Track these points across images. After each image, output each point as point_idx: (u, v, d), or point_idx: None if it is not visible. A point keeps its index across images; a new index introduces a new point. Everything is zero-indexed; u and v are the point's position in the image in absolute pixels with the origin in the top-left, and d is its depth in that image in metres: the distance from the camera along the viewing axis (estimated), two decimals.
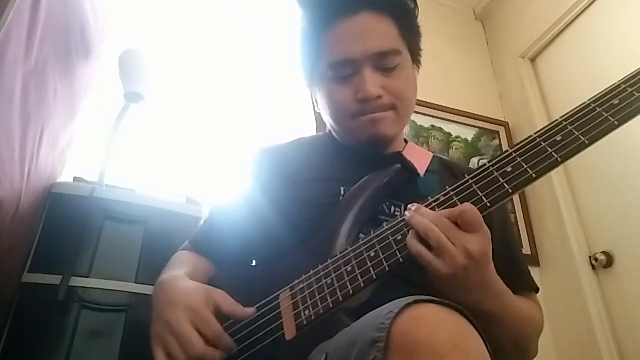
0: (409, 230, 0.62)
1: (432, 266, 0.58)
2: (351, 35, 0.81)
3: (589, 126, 0.60)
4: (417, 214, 0.61)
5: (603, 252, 1.85)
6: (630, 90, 0.61)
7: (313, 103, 0.99)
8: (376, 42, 0.80)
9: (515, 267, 0.85)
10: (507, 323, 0.67)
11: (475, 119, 2.38)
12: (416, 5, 0.88)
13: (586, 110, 0.62)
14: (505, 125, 2.43)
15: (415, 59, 0.90)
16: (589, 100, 0.63)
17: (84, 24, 1.27)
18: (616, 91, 0.62)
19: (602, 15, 2.06)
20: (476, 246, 0.58)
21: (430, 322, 0.44)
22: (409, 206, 0.64)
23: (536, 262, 2.05)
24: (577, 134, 0.60)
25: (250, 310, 0.67)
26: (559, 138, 0.61)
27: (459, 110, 2.35)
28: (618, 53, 1.89)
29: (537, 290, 0.86)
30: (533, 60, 2.43)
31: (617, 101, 0.60)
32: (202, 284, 0.71)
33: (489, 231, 0.60)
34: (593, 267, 1.88)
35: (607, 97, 0.62)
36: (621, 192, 1.82)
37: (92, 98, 1.45)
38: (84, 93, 1.38)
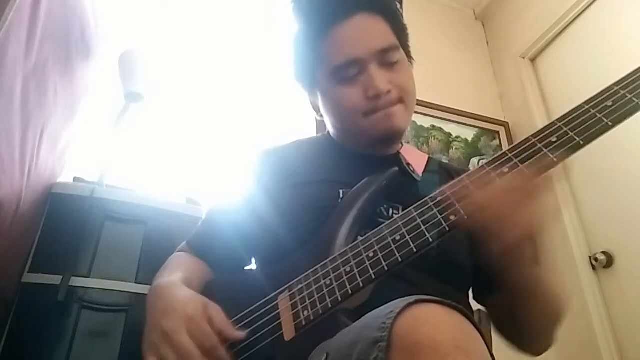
0: (407, 231, 0.62)
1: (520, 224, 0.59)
2: (351, 36, 0.82)
3: (583, 127, 0.61)
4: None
5: (603, 252, 1.85)
6: (622, 92, 0.62)
7: (312, 110, 0.98)
8: (376, 39, 0.83)
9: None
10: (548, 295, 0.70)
11: (475, 119, 2.38)
12: (401, 5, 0.92)
13: (580, 111, 0.63)
14: (505, 125, 2.43)
15: (409, 56, 0.92)
16: (583, 102, 0.64)
17: (84, 24, 1.27)
18: (609, 93, 0.63)
19: (602, 15, 2.06)
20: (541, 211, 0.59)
21: (432, 322, 0.44)
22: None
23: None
24: (571, 134, 0.61)
25: (241, 334, 0.65)
26: (554, 139, 0.62)
27: (459, 110, 2.35)
28: (618, 53, 1.89)
29: None
30: (533, 60, 2.43)
31: (611, 103, 0.62)
32: (198, 294, 0.71)
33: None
34: (593, 267, 1.88)
35: (600, 99, 0.63)
36: (621, 192, 1.82)
37: (92, 98, 1.45)
38: (84, 93, 1.38)
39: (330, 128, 0.95)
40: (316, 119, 0.98)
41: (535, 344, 0.78)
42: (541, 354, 0.81)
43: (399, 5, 0.91)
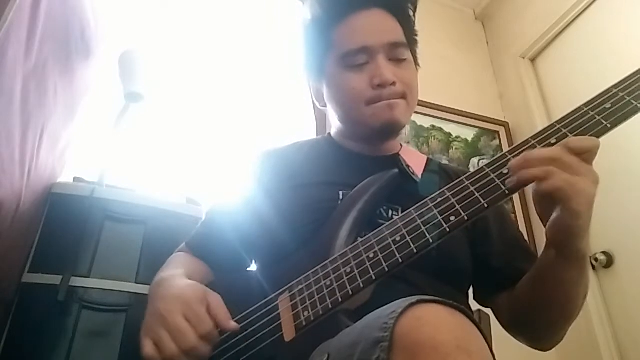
0: (407, 231, 0.62)
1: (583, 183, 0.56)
2: (365, 26, 0.86)
3: (582, 128, 0.61)
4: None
5: (603, 252, 1.85)
6: (621, 94, 0.62)
7: (315, 100, 0.99)
8: (389, 33, 0.86)
9: (529, 250, 0.89)
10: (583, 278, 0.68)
11: (475, 119, 2.38)
12: (414, 14, 0.93)
13: (579, 113, 0.63)
14: (505, 125, 2.43)
15: (416, 62, 0.94)
16: (582, 104, 0.64)
17: (84, 24, 1.27)
18: (608, 95, 0.63)
19: (602, 15, 2.06)
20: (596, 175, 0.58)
21: (433, 322, 0.44)
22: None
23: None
24: (571, 136, 0.61)
25: (234, 325, 0.65)
26: (553, 140, 0.62)
27: (459, 110, 2.35)
28: (618, 53, 1.89)
29: None
30: (533, 60, 2.43)
31: (609, 105, 0.62)
32: (199, 284, 0.71)
33: None
34: (593, 267, 1.88)
35: (599, 101, 0.63)
36: (621, 192, 1.82)
37: (92, 98, 1.45)
38: (84, 93, 1.38)
39: (332, 119, 0.96)
40: (315, 112, 0.99)
41: (553, 335, 0.77)
42: (552, 347, 0.80)
43: (412, 13, 0.92)
